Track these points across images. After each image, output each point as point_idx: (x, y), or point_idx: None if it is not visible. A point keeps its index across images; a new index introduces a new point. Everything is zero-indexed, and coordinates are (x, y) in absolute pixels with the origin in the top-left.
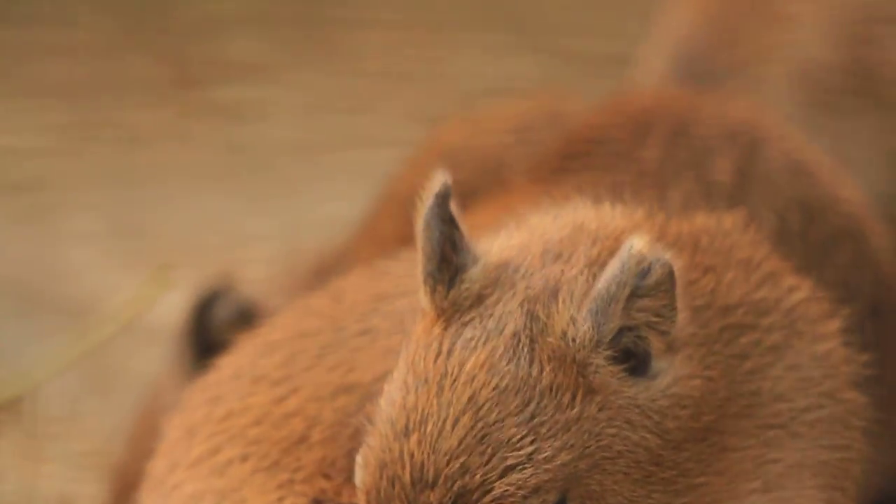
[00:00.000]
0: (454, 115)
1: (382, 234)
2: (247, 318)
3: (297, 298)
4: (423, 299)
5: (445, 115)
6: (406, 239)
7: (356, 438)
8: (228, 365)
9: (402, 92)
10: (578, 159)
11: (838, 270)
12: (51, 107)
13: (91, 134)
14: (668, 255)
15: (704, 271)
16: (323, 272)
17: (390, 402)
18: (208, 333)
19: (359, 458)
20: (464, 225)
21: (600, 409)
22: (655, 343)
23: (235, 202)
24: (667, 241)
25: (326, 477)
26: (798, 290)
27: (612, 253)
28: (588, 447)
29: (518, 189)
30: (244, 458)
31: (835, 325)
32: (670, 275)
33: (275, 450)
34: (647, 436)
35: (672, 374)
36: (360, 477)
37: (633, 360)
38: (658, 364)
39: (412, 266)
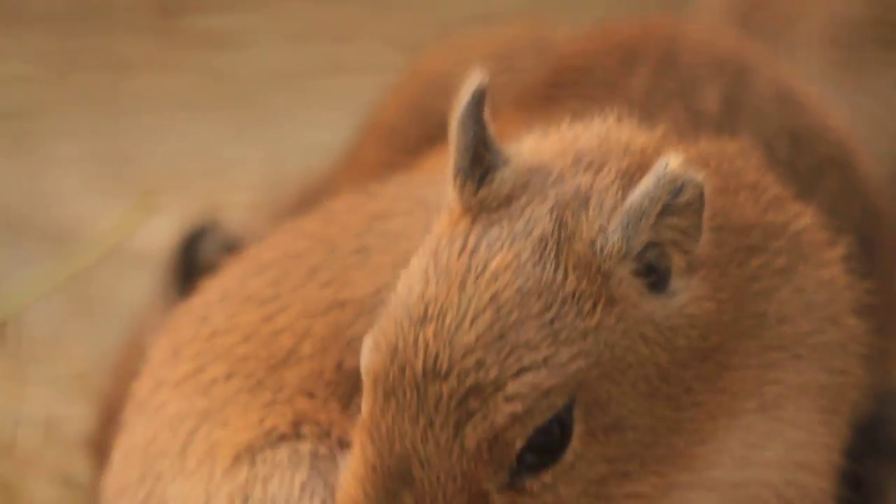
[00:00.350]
0: (437, 42)
1: (365, 160)
2: (233, 252)
3: (284, 223)
4: (450, 195)
5: (428, 43)
6: (389, 165)
7: (349, 349)
8: (216, 287)
9: (386, 20)
10: (565, 88)
11: (826, 199)
12: (35, 34)
13: (75, 61)
14: (700, 176)
15: (718, 192)
16: (307, 199)
17: (408, 290)
18: (195, 268)
19: (367, 341)
20: (494, 128)
21: (618, 321)
22: (677, 261)
23: (219, 129)
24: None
25: (309, 395)
26: (803, 216)
27: (641, 166)
28: (602, 356)
29: (503, 117)
30: (228, 377)
31: (838, 251)
32: (701, 195)
33: (261, 368)
34: (658, 351)
35: (689, 293)
36: (368, 359)
37: (654, 276)
38: (677, 282)
39: (405, 189)
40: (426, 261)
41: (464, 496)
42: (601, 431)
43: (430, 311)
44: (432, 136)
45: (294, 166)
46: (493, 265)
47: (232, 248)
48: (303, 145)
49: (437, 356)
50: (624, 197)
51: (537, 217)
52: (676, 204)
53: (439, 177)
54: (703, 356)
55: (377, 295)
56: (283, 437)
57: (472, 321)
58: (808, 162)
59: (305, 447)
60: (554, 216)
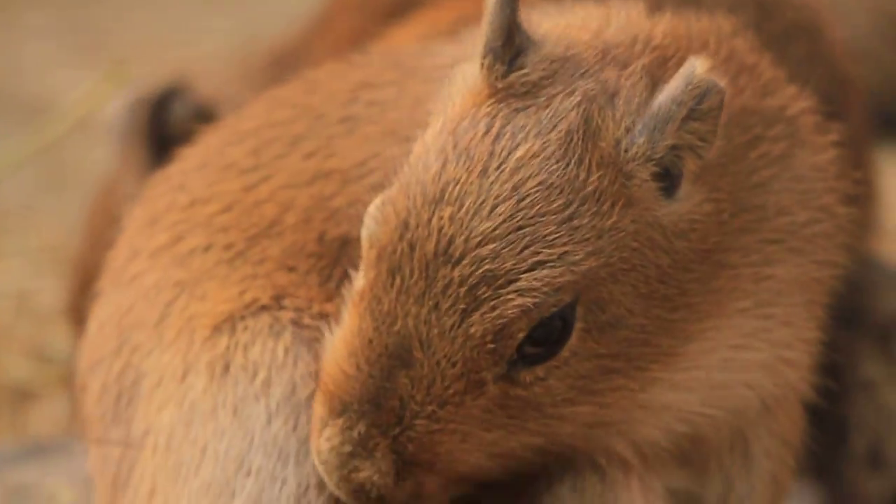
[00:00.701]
0: None
1: (338, 31)
2: (205, 116)
3: (257, 89)
4: (474, 73)
5: None
6: (363, 32)
7: (333, 220)
8: (193, 155)
9: None
10: None
11: (793, 66)
12: None
13: None
14: (723, 83)
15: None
16: (277, 63)
17: (424, 166)
18: (165, 130)
19: (373, 211)
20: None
21: (632, 223)
22: (689, 165)
23: (190, 0)
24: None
25: (291, 269)
26: (799, 99)
27: (663, 62)
28: (612, 257)
29: (446, 5)
30: (207, 248)
31: (832, 136)
32: (721, 102)
33: (241, 238)
34: (661, 255)
35: (694, 197)
36: (373, 231)
37: (668, 181)
38: (686, 187)
39: (393, 58)
40: (445, 138)
41: (461, 382)
42: (597, 329)
43: (447, 192)
44: (405, 3)
45: (266, 34)
46: (518, 154)
47: (203, 111)
48: (274, 15)
49: (451, 240)
50: (649, 96)
51: (564, 110)
52: (700, 109)
53: (432, 48)
54: (701, 257)
55: (364, 165)
56: (263, 308)
57: (492, 209)
58: (775, 28)
59: (287, 315)
60: (581, 111)
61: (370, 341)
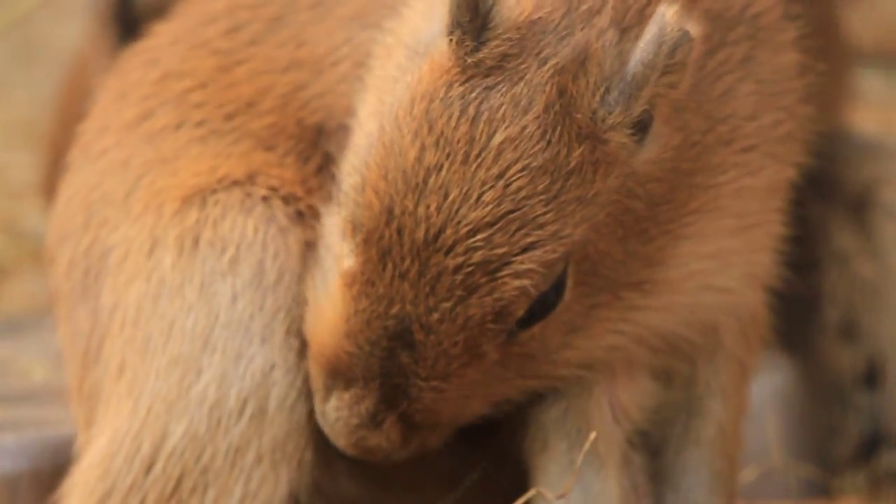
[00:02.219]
0: None
1: None
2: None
3: None
4: (441, 49)
5: None
6: None
7: (308, 108)
8: (165, 31)
9: None
10: None
11: None
12: None
13: None
14: (694, 29)
15: None
16: None
17: (401, 150)
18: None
19: (352, 193)
20: None
21: (614, 180)
22: (661, 111)
23: None
24: None
25: (269, 149)
26: None
27: (625, 6)
28: (597, 218)
29: None
30: (179, 126)
31: (792, 33)
32: (692, 48)
33: (217, 115)
34: (636, 201)
35: (664, 134)
36: (354, 213)
37: (641, 131)
38: (656, 128)
39: None
40: (418, 121)
41: (463, 358)
42: (582, 278)
43: (431, 181)
44: None
45: None
46: (498, 139)
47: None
48: None
49: (440, 230)
50: (620, 54)
51: (538, 85)
52: (672, 64)
53: None
54: (674, 186)
55: (334, 53)
56: (235, 183)
57: (479, 197)
58: None
59: (259, 192)
60: (554, 83)
61: (368, 323)
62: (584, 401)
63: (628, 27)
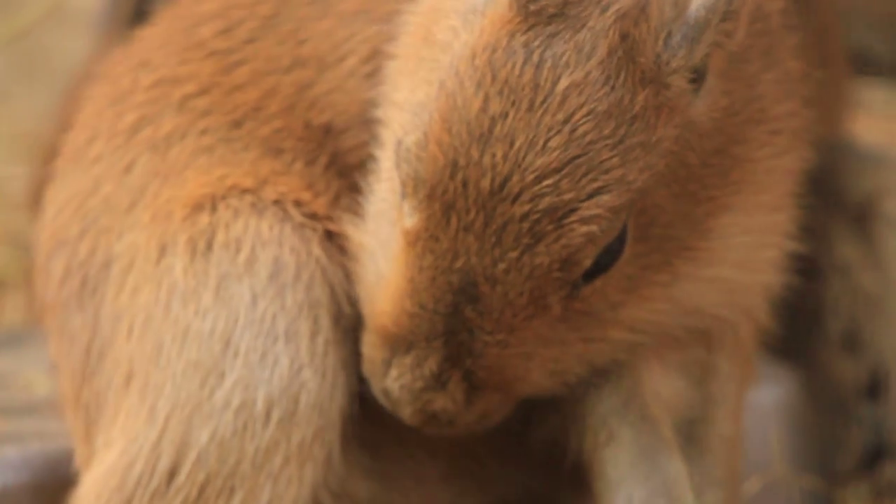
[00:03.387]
0: None
1: None
2: None
3: None
4: (502, 2)
5: None
6: None
7: (316, 108)
8: (153, 35)
9: None
10: None
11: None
12: None
13: None
14: None
15: None
16: None
17: (464, 101)
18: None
19: (413, 149)
20: None
21: (673, 128)
22: (716, 62)
23: None
24: None
25: (278, 153)
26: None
27: None
28: (658, 166)
29: None
30: (184, 135)
31: (793, 39)
32: None
33: (224, 122)
34: (691, 154)
35: (714, 91)
36: (415, 169)
37: (698, 80)
38: (709, 81)
39: None
40: (480, 71)
41: (529, 309)
42: (640, 232)
43: (496, 130)
44: None
45: None
46: (563, 85)
47: None
48: None
49: (507, 178)
50: (677, 1)
51: (601, 30)
52: (731, 10)
53: None
54: (719, 150)
55: (339, 48)
56: (245, 191)
57: (545, 143)
58: None
59: (270, 197)
60: (617, 29)
61: (433, 279)
62: (641, 389)
63: None
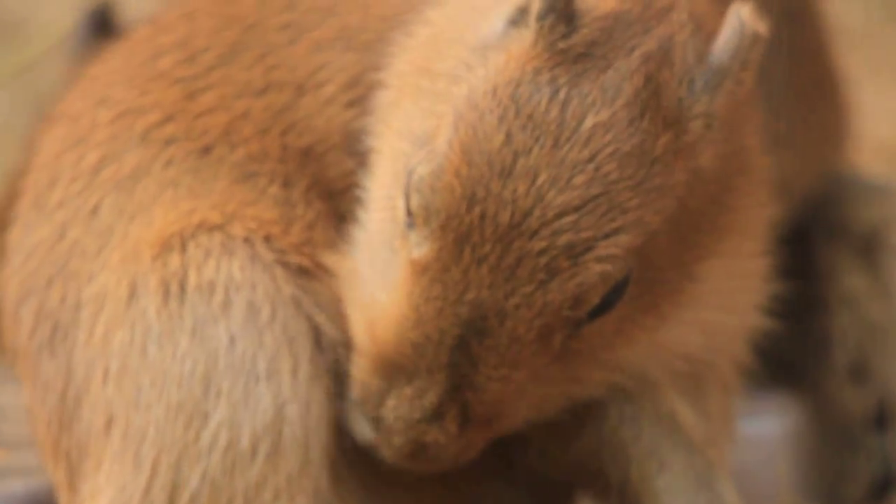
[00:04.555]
0: None
1: None
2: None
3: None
4: (526, 38)
5: None
6: None
7: (294, 132)
8: (106, 72)
9: None
10: None
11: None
12: None
13: None
14: (764, 27)
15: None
16: None
17: (485, 135)
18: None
19: (428, 179)
20: None
21: (687, 174)
22: (724, 110)
23: None
24: None
25: (249, 178)
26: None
27: (693, 10)
28: (669, 210)
29: None
30: (148, 169)
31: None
32: (762, 48)
33: (191, 149)
34: (692, 198)
35: (718, 137)
36: (428, 200)
37: (710, 124)
38: (717, 128)
39: None
40: (503, 105)
41: (534, 346)
42: (637, 274)
43: (518, 164)
44: None
45: None
46: (589, 123)
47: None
48: None
49: (527, 213)
50: (700, 46)
51: (626, 72)
52: (748, 60)
53: None
54: (711, 197)
55: (317, 74)
56: (214, 227)
57: (569, 181)
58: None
59: (238, 233)
60: (642, 72)
61: (441, 310)
62: (679, 416)
63: (700, 24)
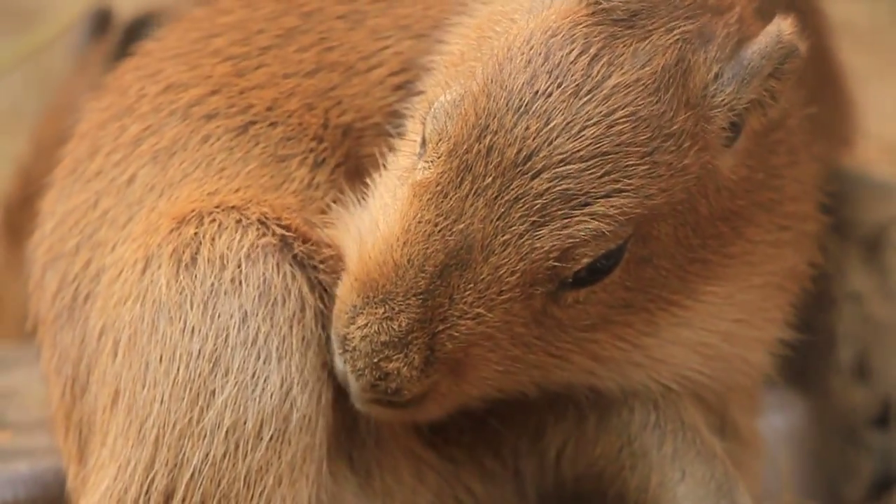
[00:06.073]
0: None
1: None
2: None
3: None
4: None
5: None
6: None
7: (338, 108)
8: (161, 48)
9: None
10: None
11: None
12: None
13: None
14: (802, 48)
15: None
16: None
17: (510, 73)
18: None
19: (446, 105)
20: None
21: (700, 168)
22: (753, 122)
23: None
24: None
25: (280, 161)
26: (804, 105)
27: (750, 18)
28: (675, 197)
29: None
30: (185, 144)
31: (817, 148)
32: (798, 66)
33: (229, 127)
34: (704, 203)
35: (740, 155)
36: (442, 124)
37: (734, 132)
38: (741, 142)
39: None
40: (535, 49)
41: (514, 291)
42: (634, 262)
43: (536, 104)
44: None
45: None
46: (613, 81)
47: None
48: None
49: (533, 152)
50: (738, 47)
51: (661, 46)
52: (781, 69)
53: None
54: (725, 217)
55: (372, 57)
56: (232, 208)
57: (581, 130)
58: None
59: (254, 214)
60: (677, 50)
61: (429, 235)
62: (701, 427)
63: (745, 33)
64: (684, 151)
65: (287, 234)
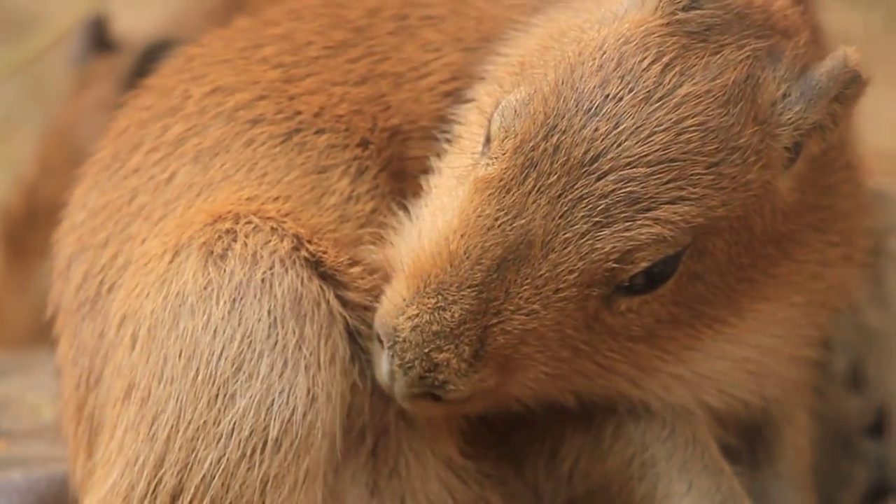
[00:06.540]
0: None
1: None
2: None
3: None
4: (647, 7)
5: None
6: None
7: (386, 113)
8: (205, 53)
9: None
10: None
11: None
12: None
13: None
14: (866, 77)
15: None
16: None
17: (581, 76)
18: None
19: (514, 104)
20: None
21: (761, 185)
22: (812, 146)
23: None
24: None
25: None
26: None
27: (816, 43)
28: (734, 212)
29: None
30: (228, 147)
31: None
32: (861, 92)
33: (274, 133)
34: (759, 223)
35: (797, 178)
36: (509, 122)
37: (795, 154)
38: (799, 165)
39: None
40: (608, 55)
41: (571, 291)
42: (687, 276)
43: (606, 107)
44: None
45: None
46: (684, 91)
47: None
48: None
49: (601, 153)
50: (806, 68)
51: (733, 61)
52: (845, 94)
53: None
54: (775, 239)
55: (423, 67)
56: (268, 218)
57: (650, 135)
58: None
59: (290, 230)
60: (748, 66)
61: (488, 228)
62: (711, 441)
63: (811, 57)
64: (749, 166)
65: (318, 250)
